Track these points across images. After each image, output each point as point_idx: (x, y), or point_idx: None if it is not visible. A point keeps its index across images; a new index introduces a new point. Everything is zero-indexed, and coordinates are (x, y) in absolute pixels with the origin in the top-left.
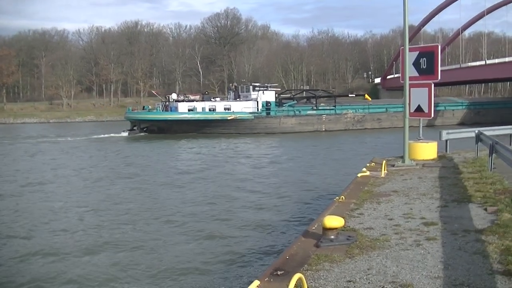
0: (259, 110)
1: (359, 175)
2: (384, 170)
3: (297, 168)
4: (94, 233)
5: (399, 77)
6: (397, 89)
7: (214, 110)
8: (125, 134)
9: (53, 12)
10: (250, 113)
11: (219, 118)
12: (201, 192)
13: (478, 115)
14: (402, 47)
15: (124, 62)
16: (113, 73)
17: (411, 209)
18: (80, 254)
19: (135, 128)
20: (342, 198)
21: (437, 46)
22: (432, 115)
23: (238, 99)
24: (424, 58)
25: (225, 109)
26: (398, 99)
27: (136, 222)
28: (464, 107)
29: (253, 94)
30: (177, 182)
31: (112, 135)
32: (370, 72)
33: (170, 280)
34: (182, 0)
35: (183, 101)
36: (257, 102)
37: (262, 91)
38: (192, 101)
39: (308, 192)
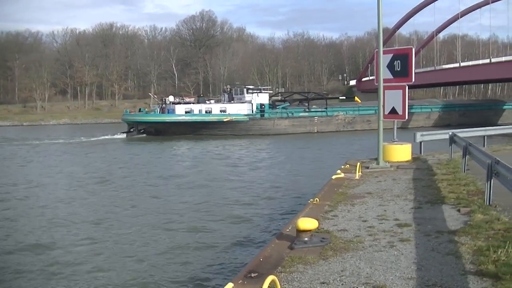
0: (254, 112)
1: (333, 177)
2: (359, 172)
3: (285, 170)
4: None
5: (374, 79)
6: (372, 91)
7: (210, 112)
8: (123, 136)
9: (27, 14)
10: (245, 115)
11: (216, 120)
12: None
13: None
14: (377, 50)
15: (99, 65)
16: (88, 75)
17: (385, 210)
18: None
19: (132, 130)
20: (317, 200)
21: (411, 48)
22: (407, 117)
23: (232, 101)
24: (398, 61)
25: (221, 111)
26: (374, 101)
27: (113, 222)
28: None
29: (247, 97)
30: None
31: (108, 137)
32: (345, 75)
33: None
34: (157, 2)
35: (179, 103)
36: (252, 104)
37: (256, 94)
38: (189, 103)
39: (289, 195)
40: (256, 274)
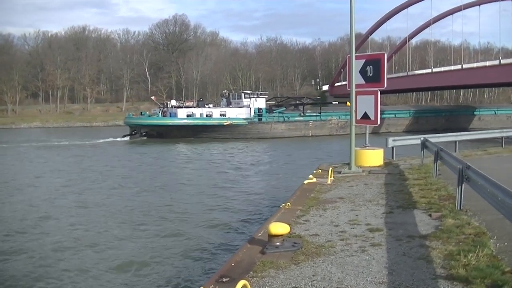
0: (252, 116)
1: (305, 182)
2: (331, 177)
3: (276, 173)
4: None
5: (347, 84)
6: (344, 96)
7: (211, 116)
8: (126, 138)
9: None
10: (244, 119)
11: (216, 124)
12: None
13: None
14: (349, 55)
15: (71, 68)
16: (60, 79)
17: (356, 215)
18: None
19: (134, 132)
20: (288, 204)
21: (383, 54)
22: (378, 122)
23: (230, 106)
24: (371, 66)
25: (220, 115)
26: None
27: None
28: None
29: (245, 101)
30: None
31: (111, 139)
32: (318, 79)
33: None
34: (131, 6)
35: (180, 107)
36: (250, 108)
37: (254, 98)
38: (189, 107)
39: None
40: (228, 279)
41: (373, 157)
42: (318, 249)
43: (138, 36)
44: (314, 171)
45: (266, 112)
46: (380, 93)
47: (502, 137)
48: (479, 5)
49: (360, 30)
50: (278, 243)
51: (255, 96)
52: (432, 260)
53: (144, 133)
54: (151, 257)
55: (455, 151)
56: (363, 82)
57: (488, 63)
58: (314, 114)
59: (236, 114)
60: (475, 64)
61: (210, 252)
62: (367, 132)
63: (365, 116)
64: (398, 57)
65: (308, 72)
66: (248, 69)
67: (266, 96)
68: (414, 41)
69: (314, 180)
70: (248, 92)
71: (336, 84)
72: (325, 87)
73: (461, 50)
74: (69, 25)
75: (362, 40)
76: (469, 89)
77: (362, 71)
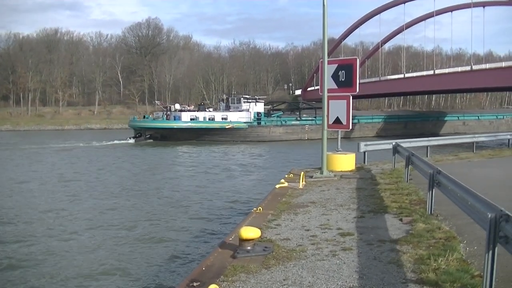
0: (252, 120)
1: (277, 186)
2: (302, 181)
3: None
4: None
5: (319, 89)
6: (317, 101)
7: (213, 119)
8: (132, 141)
9: None
10: (245, 122)
11: (218, 127)
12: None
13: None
14: (322, 60)
15: (43, 71)
16: (31, 81)
17: (328, 220)
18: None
19: (139, 135)
20: (260, 209)
21: (356, 59)
22: (350, 127)
23: (229, 110)
24: (343, 71)
25: (222, 118)
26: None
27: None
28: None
29: (244, 105)
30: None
31: (117, 141)
32: (291, 84)
33: None
34: (104, 9)
35: (182, 111)
36: (250, 112)
37: (254, 103)
38: (192, 111)
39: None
40: (199, 283)
41: (345, 161)
42: (289, 254)
43: (110, 39)
44: (286, 176)
45: (265, 116)
46: (353, 98)
47: (473, 142)
48: (451, 11)
49: (333, 35)
50: (249, 248)
51: (254, 100)
52: (403, 264)
53: (149, 136)
54: (120, 262)
55: (427, 156)
56: (335, 86)
57: (459, 69)
58: (310, 118)
59: (237, 118)
60: (447, 69)
61: (181, 256)
62: (339, 136)
63: (337, 121)
64: (371, 62)
65: (281, 76)
66: (221, 73)
67: (263, 101)
68: (387, 46)
69: (286, 184)
70: (247, 96)
71: (308, 89)
72: (298, 92)
73: (434, 56)
74: (42, 27)
75: (335, 45)
76: (441, 95)
77: (335, 76)
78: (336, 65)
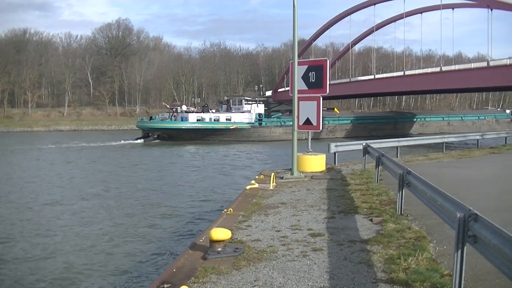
0: (254, 120)
1: (247, 187)
2: (273, 182)
3: None
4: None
5: (289, 90)
6: (287, 102)
7: (218, 120)
8: (141, 141)
9: None
10: (247, 123)
11: (223, 128)
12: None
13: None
14: (292, 61)
15: (11, 71)
16: None
17: (298, 220)
18: None
19: (147, 135)
20: (230, 210)
21: (326, 60)
22: (321, 128)
23: (230, 111)
24: (313, 72)
25: (226, 119)
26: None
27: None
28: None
29: (245, 107)
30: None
31: (127, 141)
32: (261, 85)
33: None
34: (74, 9)
35: (187, 112)
36: (252, 113)
37: (256, 104)
38: (198, 112)
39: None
40: (169, 285)
41: (316, 162)
42: (259, 254)
43: (80, 40)
44: (257, 177)
45: (265, 117)
46: (323, 99)
47: (443, 143)
48: (421, 13)
49: (304, 36)
50: (219, 249)
51: (256, 102)
52: (373, 264)
53: (156, 136)
54: (89, 264)
55: (397, 157)
56: (305, 88)
57: (429, 70)
58: None
59: (240, 119)
60: (417, 71)
61: (151, 257)
62: (309, 137)
63: (308, 122)
64: (341, 63)
65: (251, 77)
66: (191, 75)
67: (263, 103)
68: (357, 47)
69: (257, 185)
70: (249, 98)
71: (279, 90)
72: (269, 93)
73: (404, 57)
74: (10, 27)
75: (306, 46)
76: (411, 95)
77: (305, 77)
78: (306, 66)
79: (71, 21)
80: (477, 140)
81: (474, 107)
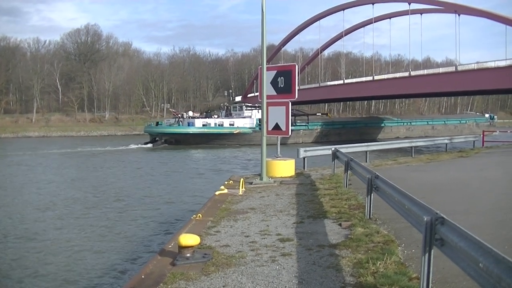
0: (255, 125)
1: (216, 193)
2: (242, 187)
3: None
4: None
5: (259, 95)
6: (257, 107)
7: (222, 125)
8: (149, 145)
9: None
10: (249, 128)
11: (227, 132)
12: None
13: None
14: (261, 66)
15: None
16: None
17: (267, 226)
18: None
19: (156, 139)
20: (199, 216)
21: (295, 65)
22: (290, 133)
23: (232, 117)
24: (282, 77)
25: (230, 124)
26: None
27: None
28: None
29: (246, 112)
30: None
31: (137, 146)
32: (231, 90)
33: None
34: (43, 15)
35: (193, 117)
36: (253, 119)
37: (257, 110)
38: (201, 118)
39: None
40: None
41: (285, 167)
42: (228, 260)
43: (49, 46)
44: (226, 182)
45: None
46: (292, 104)
47: (411, 147)
48: (389, 18)
49: (273, 42)
50: (188, 255)
51: (257, 108)
52: (342, 269)
53: (164, 140)
54: (55, 271)
55: (366, 161)
56: (274, 93)
57: (398, 75)
58: (304, 124)
59: (242, 124)
60: (386, 75)
61: (119, 264)
62: (278, 143)
63: (276, 127)
64: (310, 68)
65: (221, 83)
66: (160, 80)
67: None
68: (326, 52)
69: (226, 191)
70: (249, 104)
71: (249, 95)
72: (238, 98)
73: (373, 62)
74: None
75: (275, 51)
76: (380, 100)
77: (274, 82)
78: (275, 71)
79: (40, 26)
80: (446, 144)
81: (443, 111)
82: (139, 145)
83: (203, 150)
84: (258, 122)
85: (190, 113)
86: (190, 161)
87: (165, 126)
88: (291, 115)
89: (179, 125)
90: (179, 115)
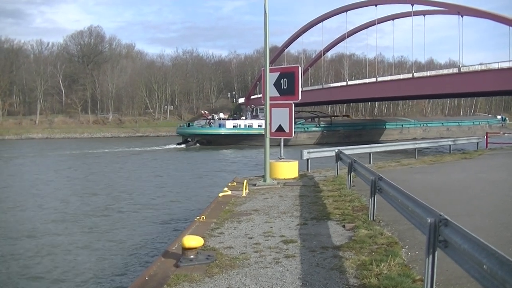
0: None
1: (220, 194)
2: (245, 189)
3: None
4: None
5: (262, 97)
6: (259, 109)
7: (251, 126)
8: (183, 146)
9: None
10: None
11: (256, 133)
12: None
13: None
14: (264, 68)
15: None
16: None
17: (271, 227)
18: None
19: (187, 141)
20: (203, 217)
21: (298, 67)
22: (293, 135)
23: (258, 118)
24: (285, 79)
25: (258, 125)
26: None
27: None
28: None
29: None
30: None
31: (171, 146)
32: (234, 92)
33: None
34: (47, 17)
35: (225, 119)
36: None
37: None
38: (230, 119)
39: None
40: None
41: (288, 169)
42: (232, 262)
43: (52, 48)
44: (229, 184)
45: None
46: (295, 106)
47: (415, 149)
48: (392, 19)
49: (276, 43)
50: (192, 256)
51: None
52: (345, 270)
53: (196, 141)
54: (61, 272)
55: (369, 163)
56: (277, 94)
57: (401, 77)
58: (326, 125)
59: None
60: (389, 77)
61: (125, 265)
62: (282, 144)
63: (280, 129)
64: (314, 70)
65: (224, 85)
66: (164, 82)
67: None
68: (329, 54)
69: (229, 192)
70: None
71: (252, 97)
72: (241, 100)
73: (376, 64)
74: None
75: (278, 53)
76: (383, 102)
77: (277, 84)
78: (278, 73)
79: (43, 28)
80: (449, 145)
81: (446, 112)
82: (172, 146)
83: (233, 150)
84: None
85: (221, 115)
86: (226, 160)
87: (197, 128)
88: (315, 117)
89: (210, 126)
90: (209, 116)
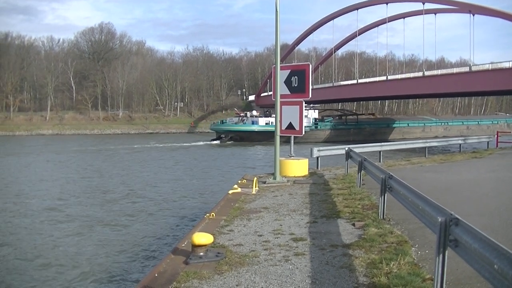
0: (311, 124)
1: (230, 192)
2: (255, 187)
3: None
4: None
5: (272, 94)
6: (270, 106)
7: None
8: (217, 141)
9: None
10: (306, 126)
11: None
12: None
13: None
14: (274, 65)
15: None
16: None
17: (280, 225)
18: None
19: (221, 137)
20: (213, 214)
21: (308, 64)
22: (303, 133)
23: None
24: (296, 77)
25: None
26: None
27: None
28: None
29: (304, 112)
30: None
31: (205, 142)
32: (244, 90)
33: None
34: (58, 13)
35: (258, 116)
36: (309, 118)
37: (313, 110)
38: (267, 116)
39: None
40: None
41: (298, 167)
42: (241, 259)
43: (63, 44)
44: (239, 181)
45: (320, 121)
46: (306, 104)
47: (425, 147)
48: (403, 18)
49: (287, 41)
50: (201, 253)
51: (311, 108)
52: (355, 269)
53: (230, 137)
54: (72, 267)
55: (380, 161)
56: (288, 92)
57: (412, 75)
58: (354, 123)
59: None
60: (399, 75)
61: (134, 262)
62: (292, 142)
63: (290, 126)
64: (324, 67)
65: (234, 82)
66: (174, 79)
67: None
68: (340, 52)
69: (239, 190)
70: (305, 104)
71: (262, 95)
72: (251, 97)
73: (386, 62)
74: None
75: (289, 50)
76: (393, 100)
77: (287, 82)
78: (289, 70)
79: (55, 25)
80: (460, 144)
81: (457, 112)
82: (205, 142)
83: (266, 146)
84: (314, 121)
85: (254, 112)
86: (265, 155)
87: (230, 124)
88: (343, 115)
89: (243, 123)
90: (242, 114)
